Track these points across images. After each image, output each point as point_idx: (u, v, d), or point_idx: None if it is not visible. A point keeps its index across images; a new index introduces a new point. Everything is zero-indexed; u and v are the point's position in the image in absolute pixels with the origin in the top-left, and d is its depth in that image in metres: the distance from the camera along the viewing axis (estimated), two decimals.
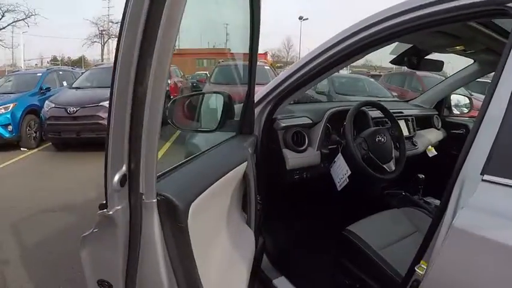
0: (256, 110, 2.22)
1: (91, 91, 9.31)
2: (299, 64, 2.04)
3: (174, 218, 1.13)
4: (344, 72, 17.13)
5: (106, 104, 8.08)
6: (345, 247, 2.12)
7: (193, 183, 1.26)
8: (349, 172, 2.40)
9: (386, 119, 2.77)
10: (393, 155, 2.58)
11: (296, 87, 2.09)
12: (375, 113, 2.79)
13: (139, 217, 1.12)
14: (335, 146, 2.56)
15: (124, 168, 1.08)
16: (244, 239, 1.62)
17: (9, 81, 11.25)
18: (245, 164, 1.62)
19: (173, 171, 1.31)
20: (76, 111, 8.46)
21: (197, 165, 1.43)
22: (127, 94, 1.04)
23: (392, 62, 2.87)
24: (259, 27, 1.86)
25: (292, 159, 2.35)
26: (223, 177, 1.39)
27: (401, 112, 3.14)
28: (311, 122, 2.51)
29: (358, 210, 2.37)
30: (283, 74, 2.18)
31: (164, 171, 1.28)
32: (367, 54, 1.91)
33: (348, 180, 2.42)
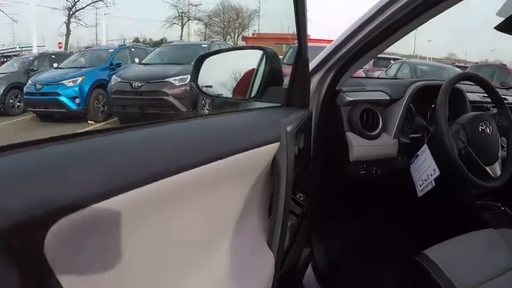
0: (313, 81, 1.66)
1: (159, 67, 9.22)
2: (367, 16, 1.46)
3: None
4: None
5: (172, 80, 7.99)
6: (416, 277, 1.56)
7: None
8: (437, 172, 1.73)
9: (490, 105, 2.07)
10: (499, 155, 1.85)
11: (365, 48, 1.52)
12: (473, 96, 2.11)
13: None
14: (419, 135, 1.91)
15: None
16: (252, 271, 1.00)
17: (83, 56, 11.74)
18: (275, 146, 1.01)
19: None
20: (141, 86, 8.37)
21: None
22: None
23: (499, 27, 2.09)
24: None
25: (359, 147, 1.70)
26: (199, 169, 0.75)
27: (506, 99, 2.36)
28: (388, 98, 1.84)
29: (441, 227, 1.89)
30: (346, 30, 1.57)
31: None
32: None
33: (433, 184, 1.76)
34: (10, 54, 23.97)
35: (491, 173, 1.78)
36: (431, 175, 1.74)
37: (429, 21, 1.46)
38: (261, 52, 1.53)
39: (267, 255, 1.02)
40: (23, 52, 22.76)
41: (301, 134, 1.40)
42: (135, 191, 0.58)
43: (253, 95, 1.51)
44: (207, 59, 1.63)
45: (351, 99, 1.71)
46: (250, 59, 1.65)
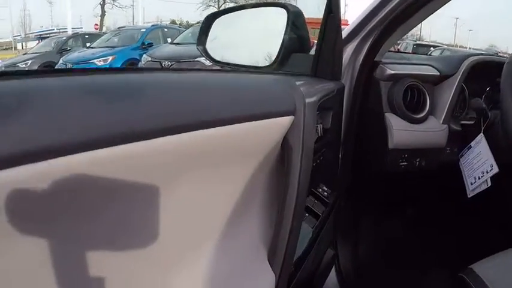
0: (347, 51, 1.38)
1: (190, 47, 9.02)
2: None
3: None
4: None
5: (203, 59, 7.81)
6: None
7: None
8: (495, 169, 1.40)
9: None
10: None
11: (407, 11, 1.23)
12: None
13: None
14: (472, 122, 1.57)
15: None
16: None
17: (115, 36, 11.73)
18: (287, 120, 0.71)
19: None
20: (171, 65, 8.28)
21: None
22: None
23: None
24: None
25: (401, 131, 1.38)
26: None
27: None
28: (437, 74, 1.50)
29: (493, 236, 1.66)
30: None
31: None
32: None
33: (489, 183, 1.43)
34: (48, 35, 24.37)
35: None
36: (487, 172, 1.41)
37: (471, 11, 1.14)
38: (283, 11, 1.24)
39: (264, 277, 0.73)
40: (60, 33, 22.99)
41: (329, 111, 1.10)
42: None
43: (272, 62, 1.23)
44: (217, 19, 1.35)
45: (393, 72, 1.39)
46: (270, 19, 1.35)
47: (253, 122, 0.64)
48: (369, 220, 1.84)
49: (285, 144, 0.74)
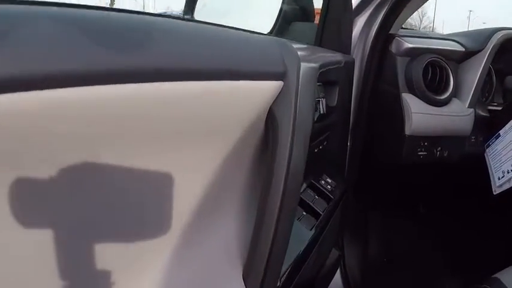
0: (358, 23, 1.21)
1: None
2: None
3: None
4: None
5: None
6: None
7: None
8: None
9: None
10: None
11: None
12: None
13: None
14: (501, 107, 1.37)
15: None
16: None
17: None
18: (273, 86, 0.51)
19: None
20: None
21: None
22: None
23: None
24: None
25: (420, 115, 1.17)
26: None
27: None
28: (462, 50, 1.30)
29: None
30: None
31: None
32: None
33: None
34: None
35: None
36: None
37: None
38: None
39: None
40: None
41: (334, 86, 0.91)
42: None
43: (270, 30, 1.05)
44: None
45: (411, 46, 1.19)
46: None
47: (225, 81, 0.45)
48: (379, 217, 1.64)
49: (270, 119, 0.54)
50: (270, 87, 0.52)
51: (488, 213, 1.59)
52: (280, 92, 0.54)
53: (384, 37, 1.19)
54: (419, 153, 1.18)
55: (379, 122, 1.23)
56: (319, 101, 0.77)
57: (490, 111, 1.36)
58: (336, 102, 0.89)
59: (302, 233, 0.76)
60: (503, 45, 1.31)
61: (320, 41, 1.05)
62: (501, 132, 1.28)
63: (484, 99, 1.38)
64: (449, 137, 1.23)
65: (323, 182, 0.89)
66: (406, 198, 1.66)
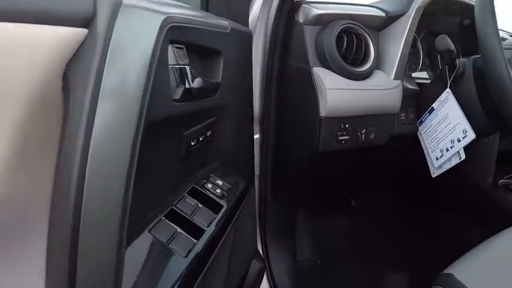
0: None
1: None
2: None
3: None
4: None
5: None
6: None
7: None
8: (471, 136, 1.03)
9: None
10: None
11: None
12: None
13: None
14: (430, 80, 1.23)
15: None
16: None
17: None
18: (72, 36, 0.30)
19: None
20: None
21: None
22: None
23: None
24: None
25: (336, 92, 0.96)
26: None
27: None
28: (383, 15, 1.11)
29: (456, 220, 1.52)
30: None
31: None
32: None
33: (463, 156, 1.07)
34: None
35: None
36: (458, 141, 1.04)
37: None
38: None
39: None
40: None
41: (216, 56, 0.70)
42: None
43: None
44: None
45: (321, 12, 0.99)
46: None
47: None
48: (307, 217, 1.47)
49: (64, 83, 0.33)
50: (64, 36, 0.30)
51: (427, 201, 1.45)
52: (81, 45, 0.33)
53: (290, 5, 0.99)
54: (341, 137, 0.98)
55: (291, 106, 1.03)
56: (179, 69, 0.54)
57: (419, 84, 1.19)
58: (220, 77, 0.67)
59: (172, 261, 0.54)
60: (428, 8, 1.13)
61: (207, 5, 0.84)
62: (435, 105, 1.11)
63: (411, 71, 1.22)
64: (375, 116, 1.03)
65: (210, 185, 0.67)
66: (334, 193, 1.49)
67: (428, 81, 1.22)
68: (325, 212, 1.59)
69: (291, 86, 1.01)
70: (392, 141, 1.12)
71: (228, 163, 0.76)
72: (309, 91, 0.95)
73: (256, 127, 1.07)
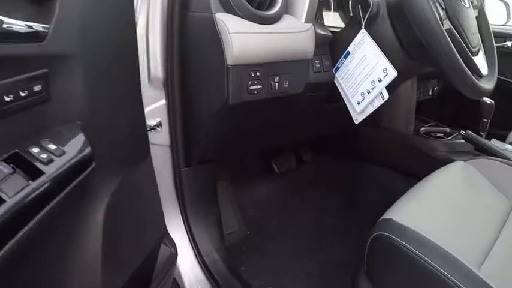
0: None
1: None
2: None
3: None
4: None
5: None
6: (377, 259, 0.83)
7: None
8: (393, 73, 0.97)
9: None
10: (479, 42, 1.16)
11: None
12: None
13: None
14: (339, 28, 1.15)
15: None
16: None
17: None
18: None
19: None
20: None
21: None
22: None
23: None
24: None
25: (243, 36, 0.85)
26: None
27: None
28: None
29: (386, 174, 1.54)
30: None
31: None
32: None
33: (386, 96, 1.01)
34: None
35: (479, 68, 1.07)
36: (379, 80, 0.98)
37: None
38: None
39: None
40: None
41: None
42: None
43: None
44: None
45: None
46: None
47: None
48: (229, 188, 1.40)
49: None
50: None
51: (351, 158, 1.42)
52: None
53: None
54: (252, 87, 0.88)
55: (196, 62, 0.92)
56: None
57: (332, 32, 1.12)
58: (54, 20, 0.53)
59: None
60: None
61: None
62: (350, 48, 1.04)
63: (322, 20, 1.14)
64: (288, 63, 0.94)
65: (37, 150, 0.52)
66: (255, 157, 1.42)
67: (339, 29, 1.15)
68: (247, 180, 1.53)
69: (194, 41, 0.90)
70: (310, 91, 1.04)
71: (80, 128, 0.61)
72: (213, 40, 0.84)
73: (161, 92, 0.96)
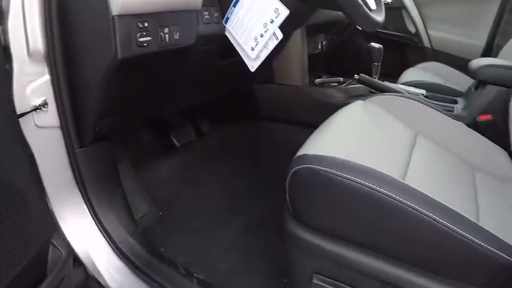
0: None
1: None
2: None
3: None
4: None
5: None
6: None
7: None
8: (284, 12, 0.94)
9: None
10: None
11: None
12: None
13: None
14: None
15: None
16: None
17: None
18: None
19: None
20: None
21: None
22: None
23: None
24: None
25: None
26: None
27: None
28: None
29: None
30: None
31: None
32: None
33: (279, 35, 0.97)
34: None
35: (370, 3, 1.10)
36: (271, 22, 0.95)
37: None
38: None
39: None
40: None
41: None
42: None
43: None
44: None
45: None
46: None
47: None
48: (130, 169, 1.33)
49: None
50: None
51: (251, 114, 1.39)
52: None
53: None
54: (141, 39, 0.80)
55: (78, 20, 0.83)
56: None
57: None
58: None
59: None
60: None
61: None
62: None
63: None
64: (176, 13, 0.88)
65: None
66: (153, 130, 1.36)
67: None
68: (148, 159, 1.47)
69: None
70: (201, 44, 0.99)
71: None
72: None
73: (44, 67, 0.86)
